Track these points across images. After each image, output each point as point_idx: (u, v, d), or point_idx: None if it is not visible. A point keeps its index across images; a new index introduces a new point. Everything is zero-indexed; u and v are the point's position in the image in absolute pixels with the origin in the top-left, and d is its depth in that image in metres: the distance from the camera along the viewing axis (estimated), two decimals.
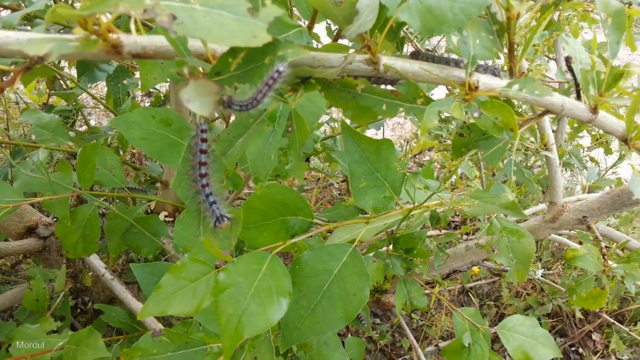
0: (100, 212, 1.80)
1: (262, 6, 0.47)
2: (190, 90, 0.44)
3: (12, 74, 0.44)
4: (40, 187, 1.23)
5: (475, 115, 0.53)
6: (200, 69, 0.53)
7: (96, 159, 1.26)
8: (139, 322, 1.39)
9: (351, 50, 0.59)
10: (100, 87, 3.42)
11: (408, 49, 1.97)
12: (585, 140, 2.74)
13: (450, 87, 0.60)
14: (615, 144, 2.11)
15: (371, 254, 1.10)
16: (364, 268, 0.79)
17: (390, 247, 1.05)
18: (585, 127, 2.03)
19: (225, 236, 0.60)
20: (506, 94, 0.53)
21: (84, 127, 2.66)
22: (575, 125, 1.99)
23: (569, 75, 0.74)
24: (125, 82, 1.85)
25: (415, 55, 0.60)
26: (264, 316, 0.70)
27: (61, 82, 2.09)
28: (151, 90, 2.80)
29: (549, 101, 0.59)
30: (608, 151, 2.12)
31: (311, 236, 0.90)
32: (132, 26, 0.47)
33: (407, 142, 3.26)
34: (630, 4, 1.71)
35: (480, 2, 0.50)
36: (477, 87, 0.55)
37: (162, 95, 2.33)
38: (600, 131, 2.06)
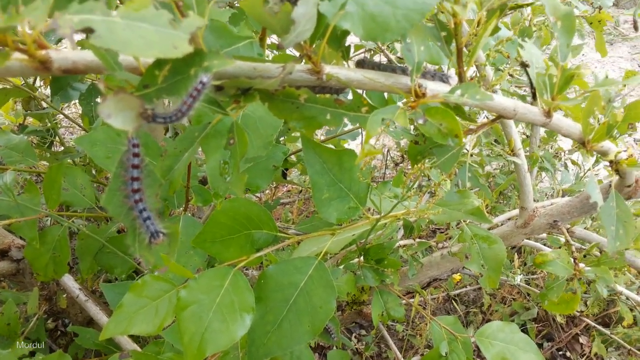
0: (74, 231, 1.77)
1: (185, 17, 0.46)
2: (110, 105, 0.42)
3: None
4: (8, 209, 1.21)
5: (420, 122, 0.53)
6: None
7: (64, 179, 1.25)
8: (114, 344, 1.36)
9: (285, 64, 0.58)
10: (78, 106, 3.39)
11: (380, 58, 1.97)
12: (567, 143, 2.75)
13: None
14: None
15: (342, 266, 1.09)
16: (330, 281, 0.78)
17: (362, 258, 1.04)
18: (555, 134, 2.04)
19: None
20: (448, 99, 0.52)
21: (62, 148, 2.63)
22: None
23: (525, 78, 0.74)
24: (98, 100, 1.83)
25: (361, 64, 0.59)
26: (227, 333, 0.69)
27: (37, 102, 2.07)
28: None
29: (501, 106, 0.59)
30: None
31: (283, 249, 0.89)
32: (67, 42, 0.46)
33: (389, 150, 3.27)
34: (600, 8, 1.73)
35: (422, 8, 0.49)
36: (424, 94, 0.54)
37: None
38: None
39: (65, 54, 0.46)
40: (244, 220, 0.82)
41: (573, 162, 2.42)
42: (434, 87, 0.56)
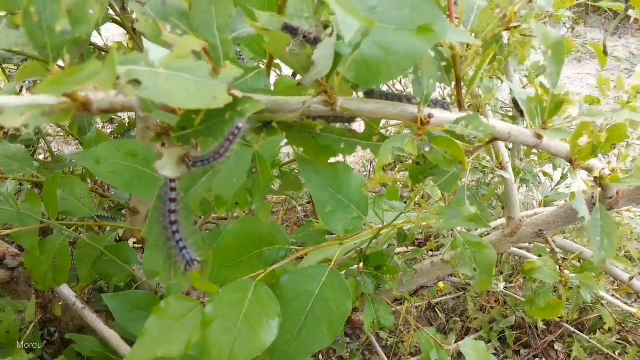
0: (70, 240, 1.79)
1: (222, 67, 0.51)
2: (164, 160, 0.48)
3: None
4: (9, 218, 1.23)
5: (427, 149, 0.58)
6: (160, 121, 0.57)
7: (61, 189, 1.27)
8: (112, 350, 1.39)
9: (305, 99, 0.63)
10: None
11: None
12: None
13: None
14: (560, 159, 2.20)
15: (342, 272, 1.14)
16: (344, 284, 0.82)
17: (361, 265, 1.10)
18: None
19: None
20: (454, 130, 0.58)
21: (43, 156, 2.63)
22: None
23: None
24: None
25: (370, 94, 0.64)
26: (256, 340, 0.72)
27: None
28: (113, 117, 2.80)
29: (497, 129, 0.65)
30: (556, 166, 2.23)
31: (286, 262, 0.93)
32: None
33: (371, 162, 3.33)
34: (573, 28, 1.82)
35: (413, 55, 0.53)
36: (428, 122, 0.60)
37: (126, 122, 2.33)
38: None
39: (102, 95, 0.49)
40: (256, 240, 0.85)
41: (545, 174, 2.52)
42: (437, 115, 0.62)
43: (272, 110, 0.58)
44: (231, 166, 0.70)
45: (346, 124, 0.65)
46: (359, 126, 0.69)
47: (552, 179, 2.56)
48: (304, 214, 3.07)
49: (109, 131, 3.02)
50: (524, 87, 1.62)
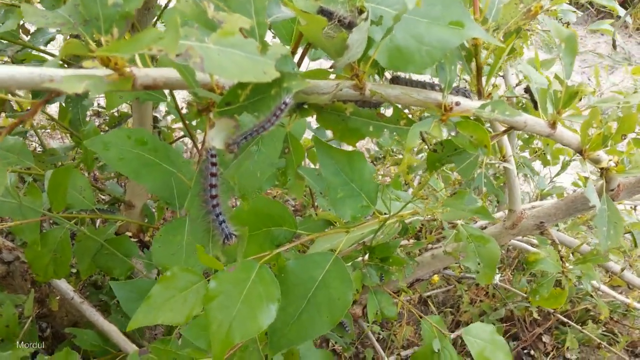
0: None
1: (268, 44, 0.52)
2: (215, 130, 0.49)
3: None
4: (10, 211, 1.21)
5: (453, 134, 0.60)
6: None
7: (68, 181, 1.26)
8: (111, 344, 1.39)
9: (332, 76, 0.64)
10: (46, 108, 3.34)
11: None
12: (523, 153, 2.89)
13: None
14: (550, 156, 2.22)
15: (349, 264, 1.15)
16: (346, 274, 0.83)
17: (366, 257, 1.11)
18: (531, 142, 2.16)
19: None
20: (480, 114, 0.60)
21: (29, 148, 2.60)
22: (526, 136, 2.12)
23: (516, 90, 0.82)
24: (84, 103, 1.85)
25: (396, 80, 0.66)
26: (254, 321, 0.73)
27: (12, 103, 2.05)
28: (99, 111, 2.79)
29: (515, 119, 0.67)
30: (546, 163, 2.25)
31: (287, 250, 0.94)
32: (138, 60, 0.51)
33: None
34: (568, 24, 1.86)
35: (445, 46, 0.55)
36: (451, 109, 0.61)
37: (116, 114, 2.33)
38: (539, 144, 2.21)
39: (146, 71, 0.50)
40: (265, 219, 0.87)
41: (534, 172, 2.54)
42: (462, 103, 0.64)
43: (306, 92, 0.59)
44: (255, 161, 0.71)
45: (374, 109, 0.67)
46: None
47: (539, 175, 2.60)
48: (293, 209, 3.08)
49: (97, 124, 3.00)
50: (518, 83, 1.64)
